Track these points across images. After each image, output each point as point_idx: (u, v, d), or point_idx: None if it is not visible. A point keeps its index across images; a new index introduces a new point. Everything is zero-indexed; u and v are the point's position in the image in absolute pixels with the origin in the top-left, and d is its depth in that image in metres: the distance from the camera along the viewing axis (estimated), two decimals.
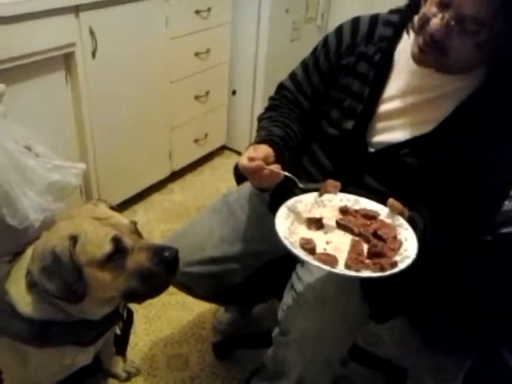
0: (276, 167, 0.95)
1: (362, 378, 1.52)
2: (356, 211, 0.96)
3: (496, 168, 0.97)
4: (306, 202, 0.97)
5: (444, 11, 0.86)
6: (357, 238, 0.90)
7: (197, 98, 2.35)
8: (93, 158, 1.92)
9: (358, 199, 0.98)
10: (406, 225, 0.90)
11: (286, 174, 0.96)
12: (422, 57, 0.93)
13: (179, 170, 2.45)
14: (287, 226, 0.90)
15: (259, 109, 2.51)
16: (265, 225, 1.10)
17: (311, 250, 0.85)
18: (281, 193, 1.03)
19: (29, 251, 1.02)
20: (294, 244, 0.85)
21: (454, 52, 0.88)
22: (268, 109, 1.21)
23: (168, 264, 0.95)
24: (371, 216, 0.94)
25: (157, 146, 2.24)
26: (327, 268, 0.81)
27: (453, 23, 0.85)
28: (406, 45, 1.00)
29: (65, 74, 1.72)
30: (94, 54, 1.74)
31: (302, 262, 1.08)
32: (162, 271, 0.95)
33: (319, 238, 0.90)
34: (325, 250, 0.87)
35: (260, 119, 1.19)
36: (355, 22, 1.09)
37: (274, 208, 0.96)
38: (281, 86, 1.21)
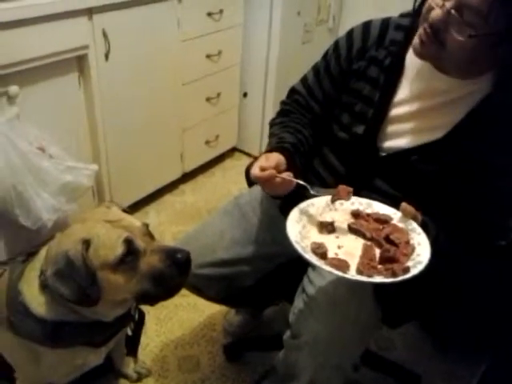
0: (288, 175, 0.95)
1: (374, 383, 1.51)
2: (368, 215, 0.95)
3: (507, 172, 0.96)
4: (317, 206, 0.96)
5: (446, 0, 0.86)
6: (369, 243, 0.89)
7: (208, 99, 2.35)
8: (105, 159, 1.94)
9: (370, 203, 0.98)
10: (418, 229, 0.89)
11: (299, 181, 0.96)
12: (421, 49, 0.93)
13: (190, 172, 2.46)
14: (299, 229, 0.90)
15: (270, 111, 2.51)
16: (276, 227, 1.10)
17: (323, 255, 0.85)
18: (293, 195, 1.03)
19: (42, 252, 1.03)
20: (306, 248, 0.85)
21: (452, 45, 0.87)
22: (279, 114, 1.21)
23: (180, 266, 0.96)
24: (384, 220, 0.93)
25: (168, 147, 2.25)
26: (339, 273, 0.80)
27: (453, 12, 0.84)
28: None
29: (78, 75, 1.73)
30: (106, 56, 1.75)
31: (314, 266, 1.07)
32: (175, 273, 0.95)
33: (331, 242, 0.89)
34: (336, 254, 0.87)
35: (271, 125, 1.19)
36: (366, 26, 1.09)
37: (285, 211, 0.96)
38: (292, 91, 1.22)
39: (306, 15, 2.48)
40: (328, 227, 0.92)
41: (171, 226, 2.16)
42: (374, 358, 1.53)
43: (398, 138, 1.04)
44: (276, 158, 0.98)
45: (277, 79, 2.46)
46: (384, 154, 1.05)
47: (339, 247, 0.89)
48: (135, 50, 1.87)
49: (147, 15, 1.85)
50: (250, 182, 1.03)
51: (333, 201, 0.96)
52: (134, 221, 1.01)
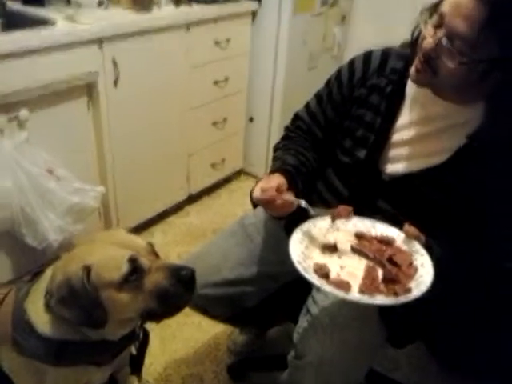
0: (289, 196, 0.96)
1: None
2: (372, 236, 0.96)
3: (507, 196, 0.97)
4: (320, 226, 0.97)
5: (438, 30, 0.89)
6: (372, 264, 0.90)
7: (214, 124, 2.39)
8: (112, 181, 1.96)
9: (373, 224, 0.98)
10: (422, 251, 0.90)
11: (299, 202, 0.97)
12: (416, 77, 0.96)
13: (196, 194, 2.48)
14: (301, 250, 0.90)
15: (276, 134, 2.54)
16: (281, 248, 1.10)
17: (325, 275, 0.85)
18: (297, 216, 1.04)
19: (48, 272, 1.04)
20: (308, 269, 0.85)
21: (444, 73, 0.90)
22: (283, 138, 1.24)
23: (185, 283, 0.96)
24: (387, 241, 0.94)
25: (174, 170, 2.28)
26: (340, 294, 0.81)
27: (443, 40, 0.87)
28: None
29: (87, 100, 1.77)
30: (115, 83, 1.79)
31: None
32: (180, 290, 0.95)
33: (333, 263, 0.90)
34: (338, 274, 0.87)
35: (275, 149, 1.22)
36: (367, 56, 1.12)
37: (290, 231, 0.97)
38: (296, 117, 1.25)
39: (312, 43, 2.53)
40: (331, 248, 0.93)
41: (176, 246, 2.17)
42: (378, 378, 1.50)
43: (400, 162, 1.06)
44: (277, 179, 1.00)
45: (282, 104, 2.50)
46: (386, 178, 1.07)
47: (342, 268, 0.90)
48: (144, 76, 1.91)
49: (156, 43, 1.90)
50: (255, 203, 1.05)
51: (333, 220, 0.97)
52: (139, 240, 1.02)
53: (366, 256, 0.91)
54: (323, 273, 0.85)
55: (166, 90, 2.04)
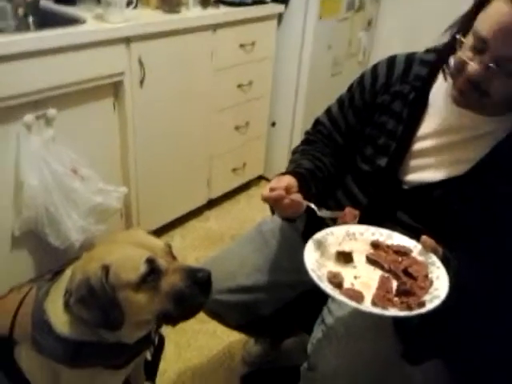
0: (297, 197, 0.96)
1: None
2: (388, 246, 0.94)
3: None
4: (336, 235, 0.96)
5: (480, 55, 0.87)
6: (386, 275, 0.89)
7: (237, 128, 2.40)
8: (135, 183, 1.98)
9: (390, 234, 0.97)
10: (438, 263, 0.88)
11: (307, 203, 0.97)
12: (462, 99, 0.93)
13: (216, 198, 2.49)
14: (316, 258, 0.90)
15: (298, 140, 2.48)
16: (297, 255, 1.10)
17: (338, 285, 0.84)
18: (314, 223, 1.03)
19: (68, 271, 1.05)
20: (322, 277, 0.85)
21: (497, 93, 0.88)
22: (302, 142, 1.24)
23: (201, 285, 0.96)
24: (403, 252, 0.92)
25: (196, 173, 2.30)
26: (352, 304, 0.80)
27: (492, 65, 0.85)
28: (442, 85, 1.01)
29: (113, 100, 1.79)
30: (141, 83, 1.82)
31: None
32: (196, 292, 0.96)
33: (347, 273, 0.89)
34: (352, 284, 0.87)
35: (294, 152, 1.21)
36: (391, 61, 1.10)
37: (307, 238, 0.96)
38: (317, 122, 1.24)
39: (337, 48, 2.52)
40: (346, 257, 0.92)
41: (194, 250, 2.19)
42: None
43: (421, 172, 1.04)
44: (287, 179, 0.99)
45: (305, 110, 2.49)
46: (406, 187, 1.06)
47: (356, 278, 0.89)
48: (169, 77, 1.93)
49: (182, 45, 1.92)
50: (273, 208, 1.05)
51: (339, 223, 0.97)
52: (157, 241, 1.03)
53: (381, 267, 0.90)
54: (337, 282, 0.85)
55: (191, 92, 2.06)
